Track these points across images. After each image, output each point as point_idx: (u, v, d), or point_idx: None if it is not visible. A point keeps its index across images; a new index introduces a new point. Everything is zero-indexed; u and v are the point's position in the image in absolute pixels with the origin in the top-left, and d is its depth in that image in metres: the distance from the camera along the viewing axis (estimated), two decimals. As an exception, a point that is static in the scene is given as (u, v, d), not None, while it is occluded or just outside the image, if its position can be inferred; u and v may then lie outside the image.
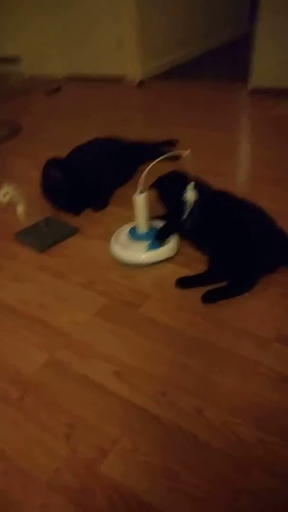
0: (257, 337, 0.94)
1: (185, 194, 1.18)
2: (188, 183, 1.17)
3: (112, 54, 3.13)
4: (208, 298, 1.05)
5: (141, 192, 1.17)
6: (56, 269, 1.23)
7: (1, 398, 0.87)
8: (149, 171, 1.07)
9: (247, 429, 0.77)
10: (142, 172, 1.08)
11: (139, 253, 1.21)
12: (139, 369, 0.90)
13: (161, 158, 1.11)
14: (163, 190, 1.34)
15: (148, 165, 1.07)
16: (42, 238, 1.34)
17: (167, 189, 1.33)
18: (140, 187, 1.14)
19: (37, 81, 3.47)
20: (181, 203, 1.19)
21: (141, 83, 3.00)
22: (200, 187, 1.21)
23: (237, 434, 0.76)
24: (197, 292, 1.06)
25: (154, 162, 1.09)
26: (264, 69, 2.44)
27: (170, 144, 1.90)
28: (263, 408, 0.80)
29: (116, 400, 0.84)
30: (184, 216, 1.19)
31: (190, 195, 1.18)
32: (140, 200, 1.18)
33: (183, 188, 1.18)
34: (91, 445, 0.77)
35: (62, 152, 1.58)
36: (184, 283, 1.10)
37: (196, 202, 1.18)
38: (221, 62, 3.43)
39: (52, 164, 1.40)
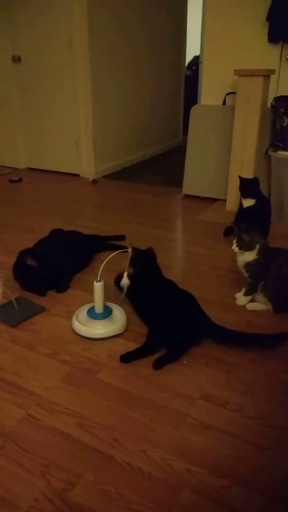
0: (186, 396, 1.26)
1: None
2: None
3: (70, 155, 3.67)
4: (157, 366, 1.37)
5: (99, 281, 1.52)
6: (26, 341, 1.49)
7: (-15, 447, 1.07)
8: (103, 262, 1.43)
9: (179, 463, 1.05)
10: (96, 261, 1.42)
11: (95, 330, 1.52)
12: (97, 421, 1.17)
13: (114, 253, 1.50)
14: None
15: (103, 255, 1.43)
16: (14, 315, 1.60)
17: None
18: (98, 276, 1.50)
19: (-2, 168, 3.87)
20: None
21: (94, 181, 3.52)
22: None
23: (171, 467, 1.04)
24: (142, 361, 1.38)
25: (110, 256, 1.47)
26: (192, 181, 3.09)
27: (119, 238, 2.32)
28: (190, 448, 1.10)
29: (80, 445, 1.09)
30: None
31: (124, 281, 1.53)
32: (98, 287, 1.52)
33: None
34: (62, 479, 1.00)
35: (27, 238, 1.89)
36: (126, 358, 1.41)
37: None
38: (160, 168, 4.12)
39: (27, 254, 1.72)
